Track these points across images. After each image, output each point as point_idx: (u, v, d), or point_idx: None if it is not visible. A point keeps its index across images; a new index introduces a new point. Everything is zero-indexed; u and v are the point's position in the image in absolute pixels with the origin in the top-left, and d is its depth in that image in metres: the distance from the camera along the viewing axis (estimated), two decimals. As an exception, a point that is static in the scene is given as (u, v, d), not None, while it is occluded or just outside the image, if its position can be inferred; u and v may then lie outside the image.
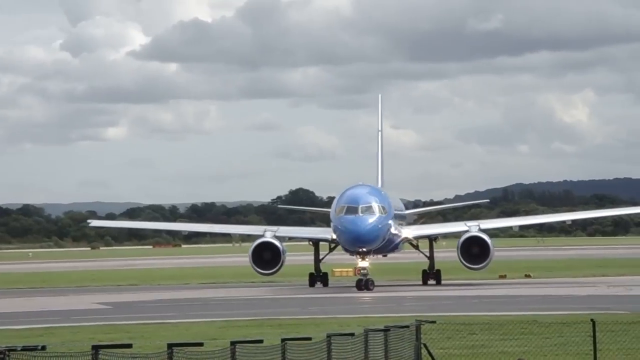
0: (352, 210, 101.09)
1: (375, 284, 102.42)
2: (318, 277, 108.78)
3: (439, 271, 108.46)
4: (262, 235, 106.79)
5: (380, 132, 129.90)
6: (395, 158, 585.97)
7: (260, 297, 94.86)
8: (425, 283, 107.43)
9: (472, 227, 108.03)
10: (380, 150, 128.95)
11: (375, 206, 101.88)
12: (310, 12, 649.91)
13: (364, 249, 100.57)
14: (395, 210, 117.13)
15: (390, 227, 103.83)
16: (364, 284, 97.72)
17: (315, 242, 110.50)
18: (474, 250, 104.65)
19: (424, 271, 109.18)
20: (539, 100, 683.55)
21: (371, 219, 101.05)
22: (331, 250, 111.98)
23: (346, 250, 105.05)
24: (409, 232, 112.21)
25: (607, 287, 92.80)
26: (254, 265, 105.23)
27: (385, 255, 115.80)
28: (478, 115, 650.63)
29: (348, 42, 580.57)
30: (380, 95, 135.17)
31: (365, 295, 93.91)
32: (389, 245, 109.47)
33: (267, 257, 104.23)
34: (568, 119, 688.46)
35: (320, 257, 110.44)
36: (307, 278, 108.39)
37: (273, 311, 74.82)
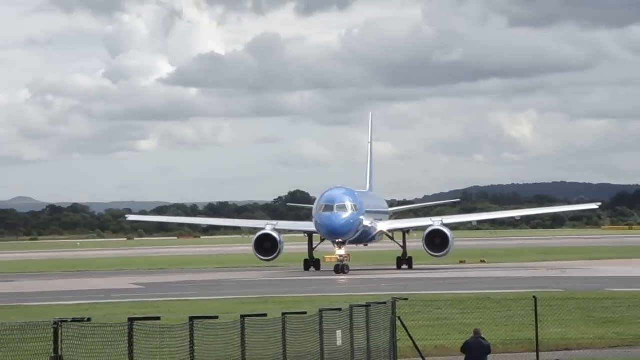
0: (328, 208, 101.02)
1: (360, 268, 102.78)
2: (311, 263, 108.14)
3: (410, 258, 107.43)
4: (263, 229, 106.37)
5: (369, 144, 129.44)
6: (375, 165, 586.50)
7: (264, 279, 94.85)
8: (399, 268, 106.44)
9: (435, 222, 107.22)
10: (370, 158, 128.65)
11: (348, 205, 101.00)
12: (306, 47, 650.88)
13: (340, 240, 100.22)
14: (380, 209, 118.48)
15: (362, 221, 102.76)
16: (340, 268, 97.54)
17: (309, 234, 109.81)
18: (437, 241, 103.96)
19: (398, 258, 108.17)
20: (491, 119, 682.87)
21: (344, 215, 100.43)
22: (322, 240, 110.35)
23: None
24: (384, 225, 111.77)
25: (547, 270, 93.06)
26: (256, 253, 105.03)
27: (366, 245, 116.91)
28: (443, 130, 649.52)
29: (337, 71, 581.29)
30: (370, 114, 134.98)
31: (350, 277, 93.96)
32: (367, 237, 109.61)
33: (267, 246, 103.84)
34: (515, 133, 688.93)
35: (314, 246, 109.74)
36: (302, 264, 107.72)
37: (275, 290, 74.88)
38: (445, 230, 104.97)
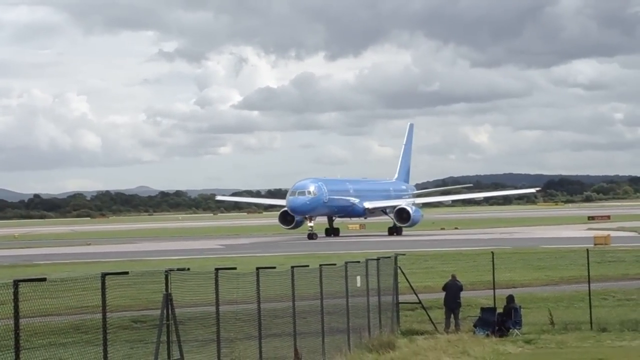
0: (292, 193, 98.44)
1: (365, 234, 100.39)
2: (331, 231, 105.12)
3: (400, 227, 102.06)
4: (284, 206, 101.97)
5: (404, 145, 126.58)
6: (381, 164, 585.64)
7: (301, 242, 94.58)
8: (390, 234, 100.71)
9: (403, 202, 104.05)
10: (401, 155, 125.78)
11: (306, 191, 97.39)
12: (332, 82, 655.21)
13: (303, 215, 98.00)
14: (398, 191, 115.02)
15: (320, 204, 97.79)
16: (310, 235, 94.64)
17: None
18: (404, 215, 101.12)
19: (389, 228, 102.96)
20: (460, 130, 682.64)
21: (302, 199, 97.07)
22: (347, 216, 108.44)
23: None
24: (368, 204, 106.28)
25: (500, 234, 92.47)
26: (280, 224, 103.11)
27: (365, 218, 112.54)
28: (427, 138, 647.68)
29: (353, 98, 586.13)
30: (409, 124, 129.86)
31: (361, 240, 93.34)
32: (355, 212, 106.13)
33: (289, 218, 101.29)
34: (476, 140, 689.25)
35: (333, 219, 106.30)
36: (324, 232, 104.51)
37: (313, 248, 74.85)
38: (408, 207, 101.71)
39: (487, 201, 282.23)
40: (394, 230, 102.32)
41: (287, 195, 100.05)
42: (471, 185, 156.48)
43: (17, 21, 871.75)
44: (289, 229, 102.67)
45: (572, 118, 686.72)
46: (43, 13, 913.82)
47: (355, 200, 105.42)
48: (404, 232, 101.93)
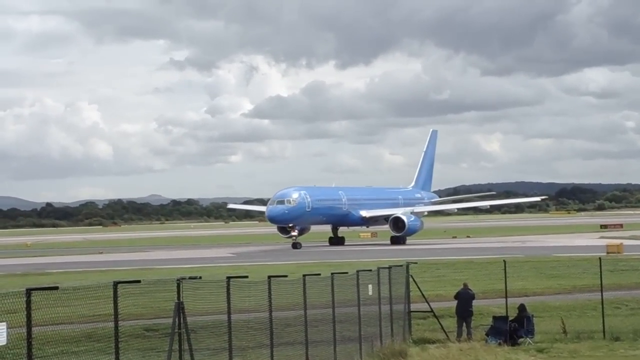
0: (272, 202, 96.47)
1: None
2: (335, 240, 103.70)
3: (403, 236, 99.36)
4: None
5: (423, 152, 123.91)
6: (392, 172, 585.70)
7: (311, 251, 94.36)
8: (393, 243, 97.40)
9: (399, 211, 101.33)
10: (420, 162, 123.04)
11: (285, 200, 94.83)
12: (342, 90, 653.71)
13: (280, 225, 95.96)
14: (411, 199, 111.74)
15: (301, 213, 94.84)
16: (294, 245, 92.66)
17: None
18: (399, 224, 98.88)
19: (391, 237, 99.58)
20: (471, 138, 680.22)
21: (280, 209, 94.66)
22: (342, 225, 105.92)
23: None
24: (365, 213, 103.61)
25: (512, 242, 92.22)
26: (279, 233, 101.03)
27: (368, 227, 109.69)
28: (438, 147, 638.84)
29: (363, 107, 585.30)
30: (431, 130, 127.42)
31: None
32: (350, 220, 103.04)
33: (287, 228, 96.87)
34: (488, 148, 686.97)
35: (338, 229, 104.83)
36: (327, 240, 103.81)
37: (322, 257, 74.76)
38: (403, 217, 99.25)
39: (499, 209, 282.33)
40: (396, 240, 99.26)
41: (268, 204, 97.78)
42: (494, 192, 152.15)
43: (29, 31, 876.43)
44: (287, 237, 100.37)
45: (584, 126, 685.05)
46: (55, 23, 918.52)
47: (346, 208, 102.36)
48: (407, 241, 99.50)
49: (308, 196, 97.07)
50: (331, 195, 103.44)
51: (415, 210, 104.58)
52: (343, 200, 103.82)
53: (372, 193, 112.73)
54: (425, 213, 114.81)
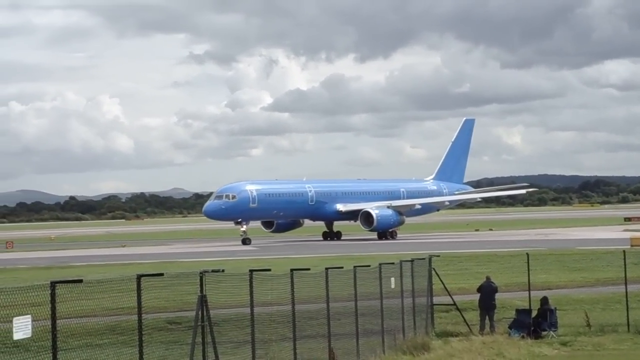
0: (211, 198, 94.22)
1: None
2: (330, 234, 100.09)
3: (394, 231, 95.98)
4: None
5: (452, 143, 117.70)
6: (413, 165, 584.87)
7: (331, 244, 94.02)
8: (380, 238, 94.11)
9: (375, 206, 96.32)
10: (446, 153, 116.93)
11: (224, 195, 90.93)
12: (362, 84, 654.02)
13: (237, 220, 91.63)
14: (418, 191, 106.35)
15: (243, 209, 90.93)
16: (243, 241, 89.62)
17: None
18: (370, 219, 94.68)
19: (378, 232, 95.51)
20: (492, 132, 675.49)
21: (215, 204, 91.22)
22: (315, 219, 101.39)
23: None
24: (341, 207, 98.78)
25: (535, 235, 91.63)
26: (263, 227, 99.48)
27: (355, 221, 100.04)
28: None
29: (384, 100, 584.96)
30: (463, 119, 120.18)
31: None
32: (324, 216, 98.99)
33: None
34: (509, 141, 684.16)
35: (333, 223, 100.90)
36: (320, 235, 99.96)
37: (343, 250, 74.40)
38: (372, 211, 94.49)
39: (522, 202, 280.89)
40: (382, 234, 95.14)
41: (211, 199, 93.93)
42: (528, 185, 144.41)
43: (52, 25, 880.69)
44: (270, 232, 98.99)
45: (606, 119, 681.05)
46: (77, 17, 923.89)
47: (314, 203, 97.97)
48: (398, 236, 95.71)
49: (254, 191, 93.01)
50: (294, 190, 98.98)
51: (394, 204, 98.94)
52: (309, 194, 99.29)
53: (355, 186, 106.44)
54: (447, 203, 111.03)
